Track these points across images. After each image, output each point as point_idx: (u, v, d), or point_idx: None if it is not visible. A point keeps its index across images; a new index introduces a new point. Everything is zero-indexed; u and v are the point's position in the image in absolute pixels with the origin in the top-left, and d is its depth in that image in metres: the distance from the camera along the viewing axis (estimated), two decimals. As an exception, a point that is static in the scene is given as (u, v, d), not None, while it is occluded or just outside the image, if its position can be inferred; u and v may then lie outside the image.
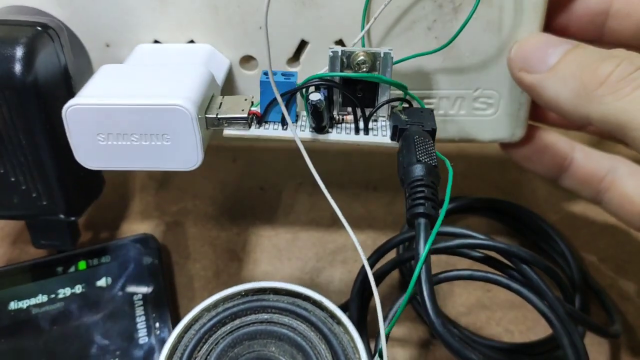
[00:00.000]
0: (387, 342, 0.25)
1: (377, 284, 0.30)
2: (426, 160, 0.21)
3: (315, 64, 0.28)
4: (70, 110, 0.22)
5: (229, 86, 0.29)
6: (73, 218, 0.28)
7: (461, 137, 0.30)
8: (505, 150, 0.32)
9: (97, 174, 0.30)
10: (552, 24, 0.28)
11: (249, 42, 0.28)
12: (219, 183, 0.41)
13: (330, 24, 0.27)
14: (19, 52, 0.23)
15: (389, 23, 0.27)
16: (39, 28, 0.25)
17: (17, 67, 0.23)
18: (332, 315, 0.24)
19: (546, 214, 0.37)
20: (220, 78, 0.27)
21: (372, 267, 0.29)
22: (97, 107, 0.22)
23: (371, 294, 0.31)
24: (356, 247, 0.22)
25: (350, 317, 0.28)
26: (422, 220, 0.20)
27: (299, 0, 0.26)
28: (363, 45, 0.27)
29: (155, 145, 0.23)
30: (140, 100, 0.22)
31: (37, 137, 0.25)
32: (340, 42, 0.27)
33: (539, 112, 0.33)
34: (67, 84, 0.26)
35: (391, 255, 0.30)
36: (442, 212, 0.20)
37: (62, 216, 0.27)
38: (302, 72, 0.28)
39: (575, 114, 0.23)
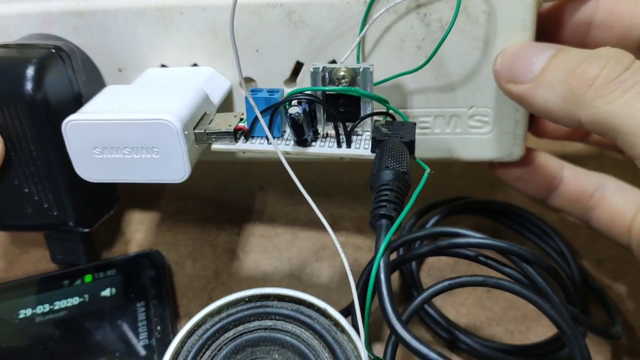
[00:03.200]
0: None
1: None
2: (394, 166, 0.21)
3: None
4: (69, 125, 0.24)
5: (229, 107, 0.31)
6: (84, 229, 0.30)
7: (459, 157, 0.30)
8: (496, 171, 0.32)
9: (110, 189, 0.32)
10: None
11: (247, 64, 0.29)
12: (219, 183, 0.41)
13: (323, 45, 0.28)
14: (30, 70, 0.26)
15: (379, 42, 0.28)
16: (53, 50, 0.27)
17: (28, 84, 0.26)
18: (336, 323, 0.24)
19: (545, 213, 0.36)
20: (218, 98, 0.28)
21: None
22: (91, 123, 0.24)
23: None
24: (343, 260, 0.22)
25: (352, 320, 0.28)
26: (383, 222, 0.20)
27: (291, 22, 0.27)
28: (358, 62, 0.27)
29: (145, 158, 0.25)
30: (130, 115, 0.24)
31: (47, 150, 0.27)
32: (334, 63, 0.28)
33: (540, 127, 0.32)
34: (77, 103, 0.28)
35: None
36: (403, 213, 0.20)
37: (71, 224, 0.29)
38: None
39: (567, 120, 0.23)
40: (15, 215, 0.29)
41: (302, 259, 0.36)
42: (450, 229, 0.28)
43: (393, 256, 0.31)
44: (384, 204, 0.20)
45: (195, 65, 0.30)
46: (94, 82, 0.30)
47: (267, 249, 0.37)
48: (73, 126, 0.24)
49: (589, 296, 0.32)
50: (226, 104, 0.30)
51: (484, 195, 0.38)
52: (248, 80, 0.30)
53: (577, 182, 0.30)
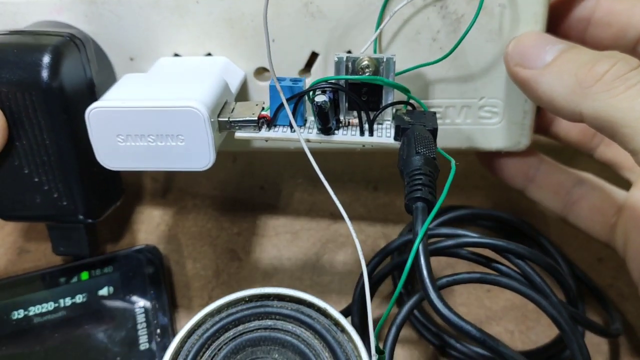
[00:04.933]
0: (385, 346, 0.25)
1: (378, 287, 0.30)
2: (425, 152, 0.22)
3: (326, 75, 0.29)
4: (93, 112, 0.24)
5: (244, 97, 0.31)
6: (91, 220, 0.30)
7: (468, 146, 0.31)
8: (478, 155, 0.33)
9: (117, 180, 0.32)
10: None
11: (262, 54, 0.29)
12: (219, 183, 0.41)
13: (339, 36, 0.28)
14: (47, 57, 0.25)
15: (395, 34, 0.28)
16: (68, 38, 0.27)
17: (44, 71, 0.25)
18: (336, 323, 0.24)
19: (545, 212, 0.37)
20: (234, 88, 0.28)
21: (374, 269, 0.29)
22: (116, 110, 0.24)
23: (374, 295, 0.31)
24: (357, 248, 0.22)
25: (352, 320, 0.28)
26: (419, 204, 0.20)
27: (308, 13, 0.28)
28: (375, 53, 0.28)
29: (170, 146, 0.24)
30: (156, 102, 0.24)
31: (60, 139, 0.27)
32: (349, 53, 0.29)
33: (542, 125, 0.34)
34: (90, 91, 0.28)
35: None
36: (441, 198, 0.20)
37: (81, 217, 0.29)
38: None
39: (568, 110, 0.24)
40: (24, 205, 0.28)
41: (302, 259, 0.36)
42: (449, 230, 0.29)
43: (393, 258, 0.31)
44: (419, 187, 0.21)
45: (209, 54, 0.30)
46: (105, 71, 0.30)
47: (267, 249, 0.37)
48: (97, 113, 0.24)
49: (588, 295, 0.33)
50: (241, 95, 0.30)
51: (485, 192, 0.39)
52: (262, 70, 0.30)
53: (554, 175, 0.31)
